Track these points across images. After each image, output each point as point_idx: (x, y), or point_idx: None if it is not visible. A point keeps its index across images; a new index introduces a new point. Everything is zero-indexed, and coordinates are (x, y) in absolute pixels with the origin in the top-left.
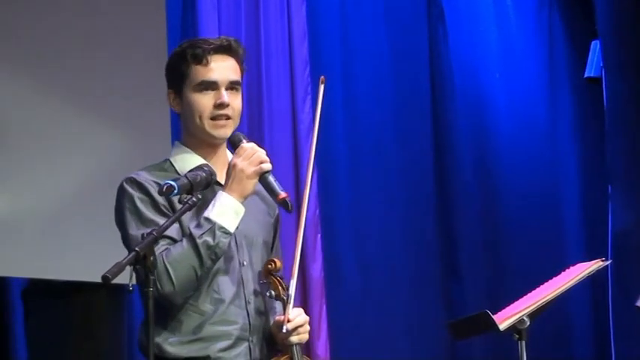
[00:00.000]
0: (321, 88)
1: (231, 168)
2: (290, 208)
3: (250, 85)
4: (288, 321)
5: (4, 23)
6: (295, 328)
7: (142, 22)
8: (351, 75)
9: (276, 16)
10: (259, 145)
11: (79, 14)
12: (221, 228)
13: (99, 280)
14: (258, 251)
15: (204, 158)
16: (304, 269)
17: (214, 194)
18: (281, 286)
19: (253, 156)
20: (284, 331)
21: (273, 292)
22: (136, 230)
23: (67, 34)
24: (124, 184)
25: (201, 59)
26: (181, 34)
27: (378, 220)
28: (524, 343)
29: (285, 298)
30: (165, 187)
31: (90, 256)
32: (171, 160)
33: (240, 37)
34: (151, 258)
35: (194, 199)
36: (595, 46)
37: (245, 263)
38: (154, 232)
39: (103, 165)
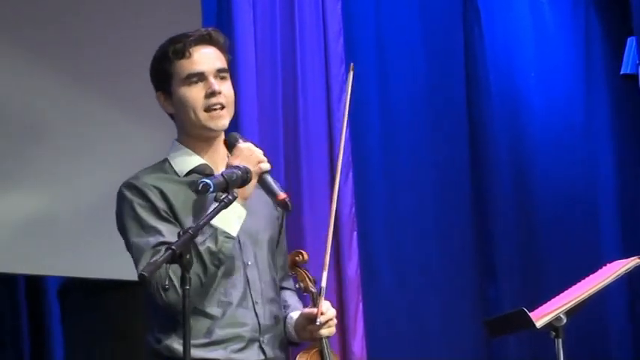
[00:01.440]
0: (350, 75)
1: None
2: (290, 209)
3: (286, 82)
4: (322, 314)
5: (39, 22)
6: (326, 321)
7: (178, 22)
8: (386, 74)
9: (311, 13)
10: (256, 145)
11: (115, 14)
12: (223, 233)
13: (135, 278)
14: (264, 249)
15: (203, 156)
16: (340, 267)
17: (207, 198)
18: (308, 278)
19: (251, 156)
20: (317, 323)
21: (301, 284)
22: (137, 237)
23: (102, 34)
24: (123, 189)
25: (183, 53)
26: None
27: (414, 218)
28: (560, 340)
29: (313, 291)
30: (200, 185)
31: (126, 255)
32: (170, 160)
33: (275, 34)
34: (187, 256)
35: (230, 197)
36: (631, 42)
37: (250, 263)
38: (189, 231)
39: (139, 163)
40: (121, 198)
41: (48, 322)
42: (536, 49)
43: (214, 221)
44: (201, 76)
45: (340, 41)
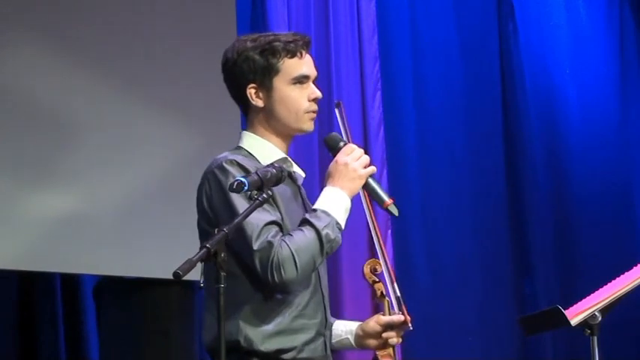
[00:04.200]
0: (336, 112)
1: (340, 165)
2: (398, 213)
3: (320, 81)
4: (410, 321)
5: (73, 22)
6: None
7: (213, 19)
8: (421, 72)
9: (346, 12)
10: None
11: (150, 11)
12: (337, 224)
13: (170, 276)
14: None
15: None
16: None
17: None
18: (382, 285)
19: (363, 157)
20: (411, 328)
21: (378, 292)
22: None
23: (136, 32)
24: (225, 164)
25: (295, 53)
26: (251, 31)
27: (449, 217)
28: (595, 338)
29: (387, 299)
30: (235, 183)
31: (161, 253)
32: (248, 149)
33: (309, 33)
34: (222, 255)
35: (264, 195)
36: None
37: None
38: (224, 229)
39: (174, 162)
40: (222, 173)
41: (84, 320)
42: (570, 45)
43: (332, 211)
44: (305, 79)
45: (374, 40)
